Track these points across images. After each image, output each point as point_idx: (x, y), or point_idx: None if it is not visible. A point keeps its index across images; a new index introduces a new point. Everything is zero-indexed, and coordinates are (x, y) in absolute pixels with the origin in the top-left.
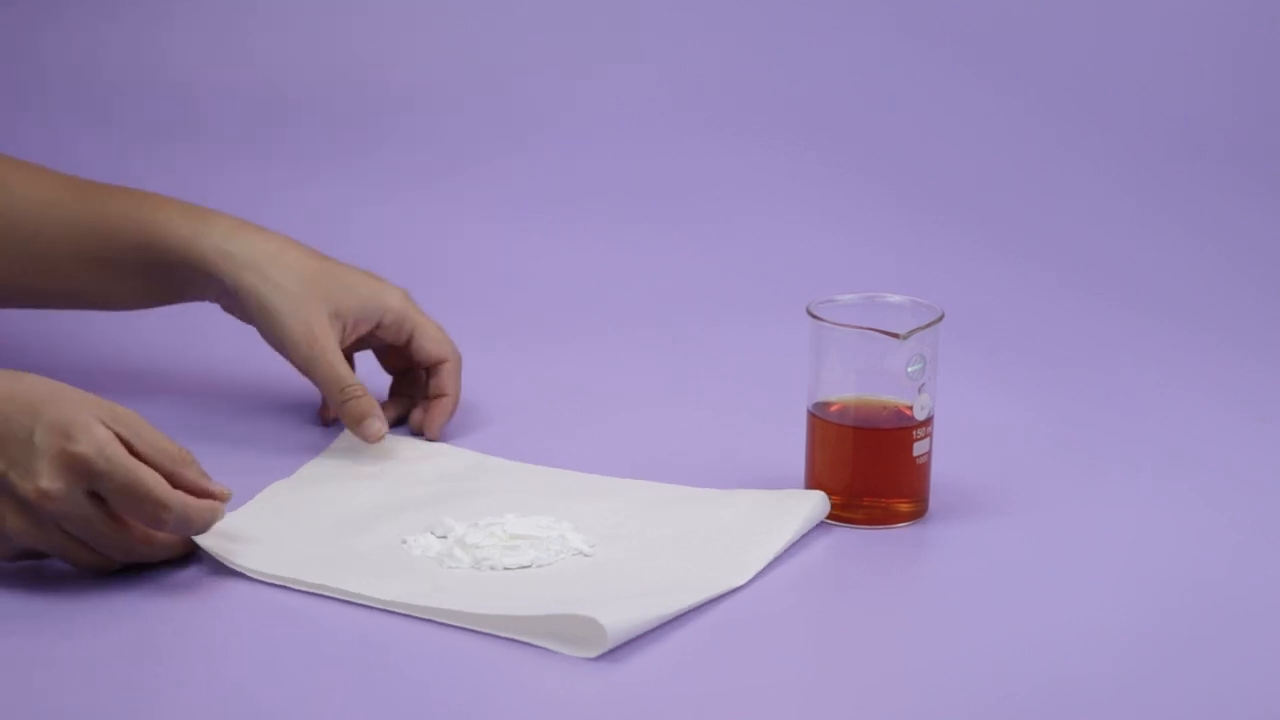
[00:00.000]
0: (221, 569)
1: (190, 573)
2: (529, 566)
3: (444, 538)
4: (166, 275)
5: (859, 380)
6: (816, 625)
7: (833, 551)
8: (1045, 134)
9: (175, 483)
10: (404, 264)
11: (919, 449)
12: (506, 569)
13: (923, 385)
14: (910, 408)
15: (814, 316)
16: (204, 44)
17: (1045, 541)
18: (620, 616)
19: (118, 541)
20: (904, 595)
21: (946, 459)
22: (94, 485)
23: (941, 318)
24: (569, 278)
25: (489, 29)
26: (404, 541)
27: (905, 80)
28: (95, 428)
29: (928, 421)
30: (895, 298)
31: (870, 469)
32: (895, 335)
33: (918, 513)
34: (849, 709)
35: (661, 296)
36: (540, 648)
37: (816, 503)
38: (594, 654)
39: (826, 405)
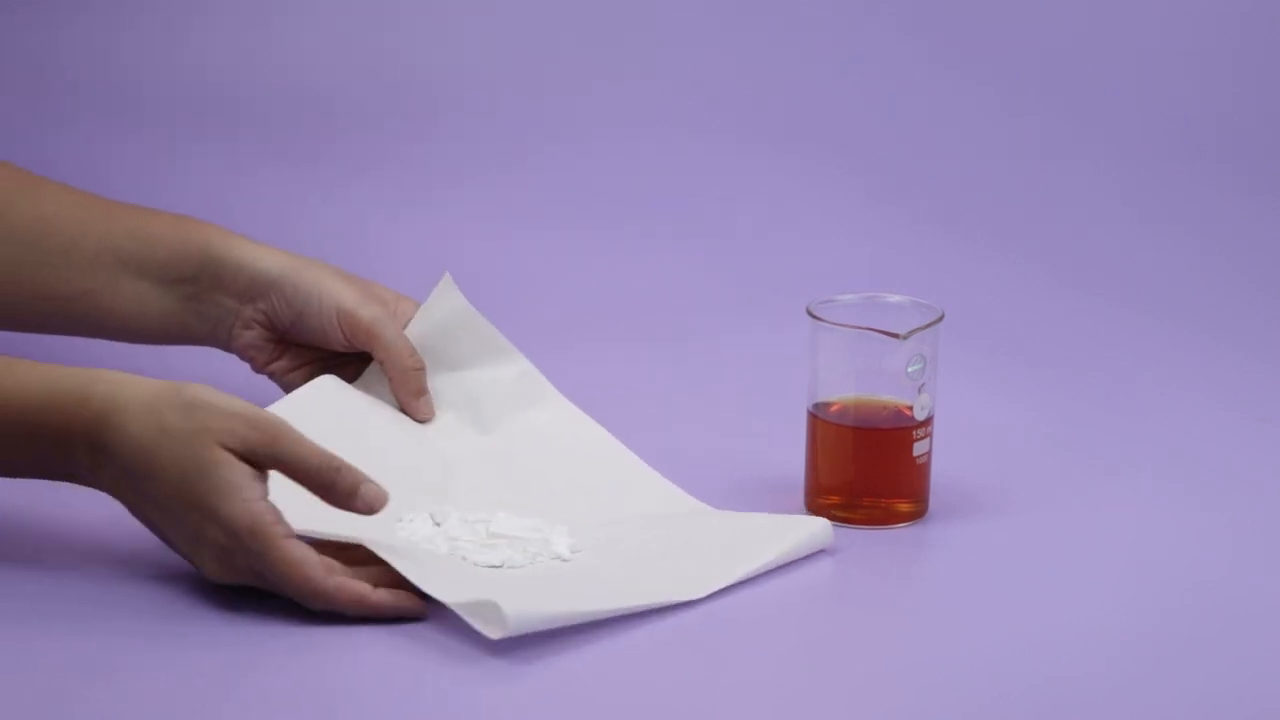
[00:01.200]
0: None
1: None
2: (499, 566)
3: (439, 525)
4: (201, 276)
5: (859, 380)
6: (816, 625)
7: (833, 551)
8: (1045, 134)
9: (328, 497)
10: (408, 268)
11: (919, 449)
12: (476, 565)
13: (923, 385)
14: (910, 408)
15: (814, 316)
16: (221, 48)
17: (1045, 541)
18: (528, 605)
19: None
20: (904, 595)
21: (946, 459)
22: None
23: (941, 318)
24: (569, 280)
25: (492, 37)
26: (399, 519)
27: (905, 80)
28: (238, 515)
29: (928, 421)
30: (895, 298)
31: (870, 469)
32: (895, 335)
33: (918, 513)
34: (848, 709)
35: (661, 297)
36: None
37: (815, 531)
38: (497, 635)
39: (826, 405)
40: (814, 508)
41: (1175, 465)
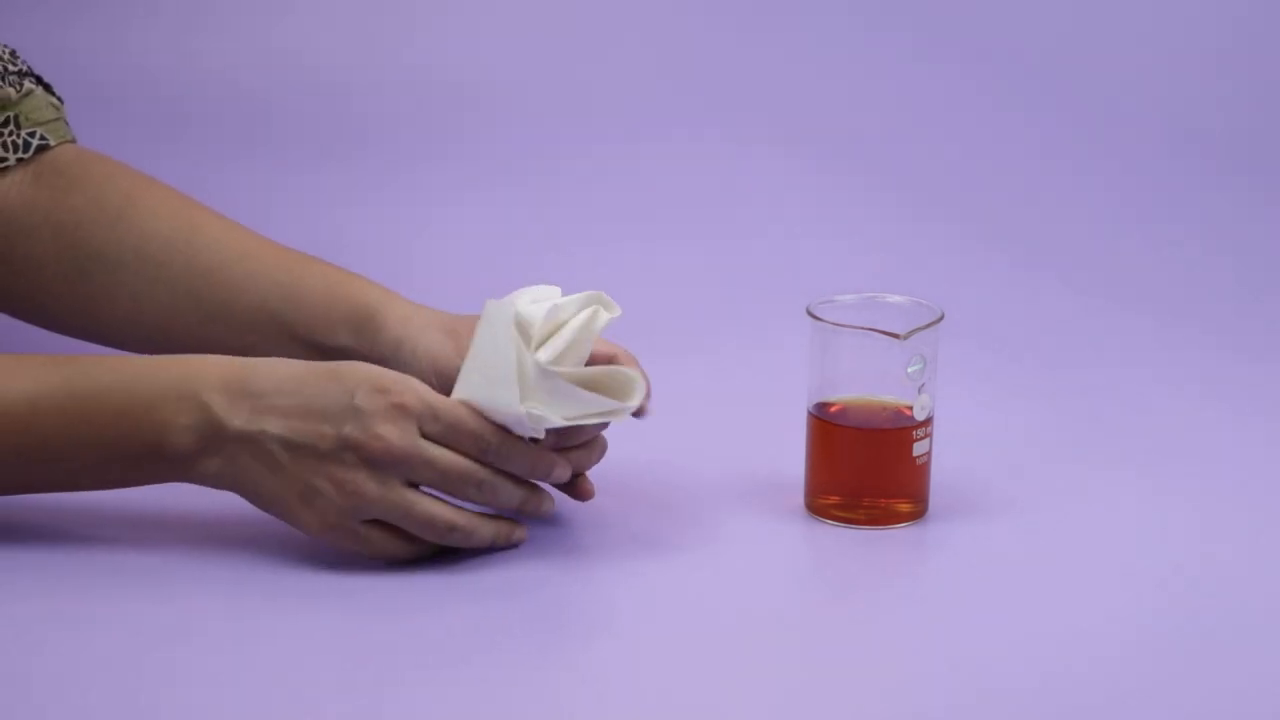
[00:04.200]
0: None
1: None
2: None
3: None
4: (345, 348)
5: (859, 380)
6: (816, 625)
7: (833, 551)
8: (1046, 133)
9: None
10: (400, 266)
11: (919, 449)
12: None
13: (923, 385)
14: (910, 408)
15: (814, 316)
16: (182, 45)
17: (1045, 541)
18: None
19: (463, 476)
20: (904, 595)
21: (946, 459)
22: (423, 428)
23: (941, 318)
24: (569, 280)
25: (486, 30)
26: None
27: (905, 79)
28: (409, 379)
29: (928, 422)
30: (895, 298)
31: (870, 469)
32: (895, 335)
33: (918, 513)
34: (848, 709)
35: (661, 297)
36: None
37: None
38: None
39: (826, 405)
40: (814, 508)
41: (1176, 465)
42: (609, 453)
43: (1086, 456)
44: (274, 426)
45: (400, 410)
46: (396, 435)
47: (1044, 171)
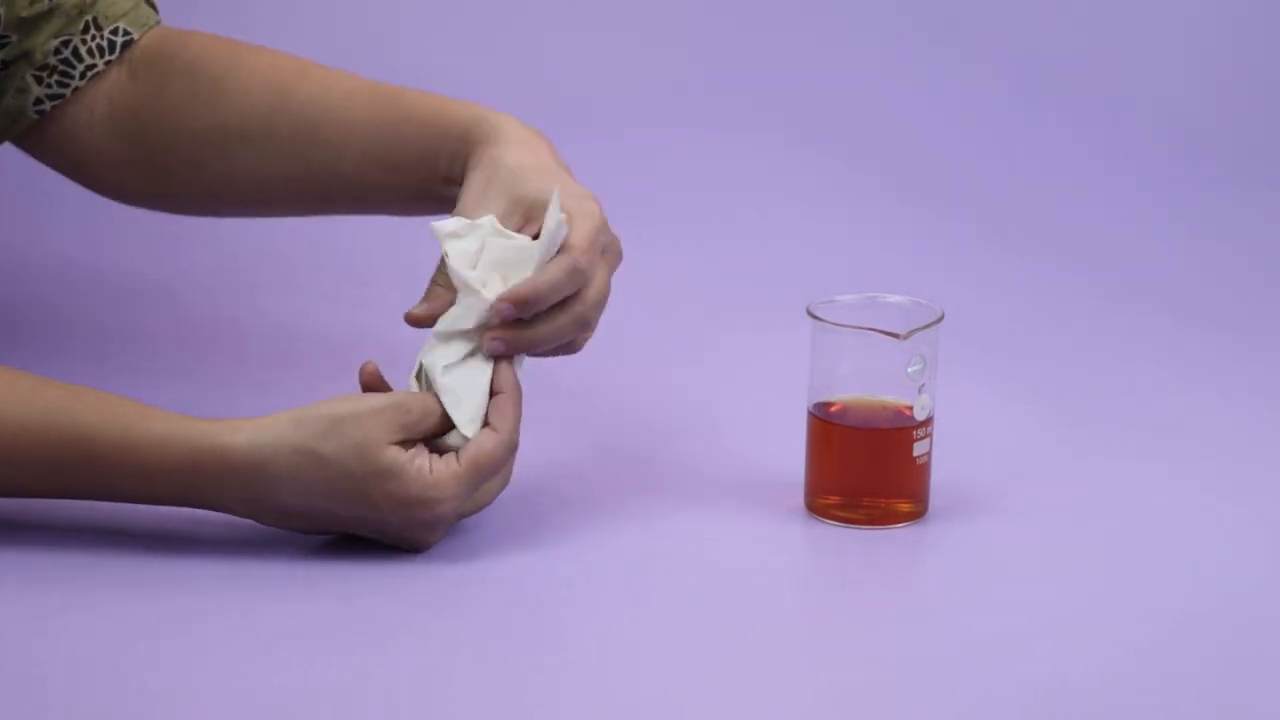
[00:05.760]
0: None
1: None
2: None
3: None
4: (436, 163)
5: (859, 380)
6: (816, 625)
7: (833, 551)
8: (1048, 133)
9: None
10: (398, 264)
11: (919, 449)
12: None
13: (923, 385)
14: (910, 408)
15: (814, 316)
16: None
17: (1045, 541)
18: None
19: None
20: (904, 595)
21: (946, 459)
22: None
23: (941, 318)
24: None
25: (485, 30)
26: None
27: (907, 78)
28: (420, 480)
29: (928, 422)
30: (895, 298)
31: (870, 469)
32: (895, 335)
33: (918, 513)
34: (848, 709)
35: (661, 296)
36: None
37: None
38: None
39: (826, 405)
40: (814, 508)
41: (1177, 464)
42: (609, 453)
43: (1087, 456)
44: (305, 524)
45: (431, 521)
46: (439, 536)
47: (1045, 171)
